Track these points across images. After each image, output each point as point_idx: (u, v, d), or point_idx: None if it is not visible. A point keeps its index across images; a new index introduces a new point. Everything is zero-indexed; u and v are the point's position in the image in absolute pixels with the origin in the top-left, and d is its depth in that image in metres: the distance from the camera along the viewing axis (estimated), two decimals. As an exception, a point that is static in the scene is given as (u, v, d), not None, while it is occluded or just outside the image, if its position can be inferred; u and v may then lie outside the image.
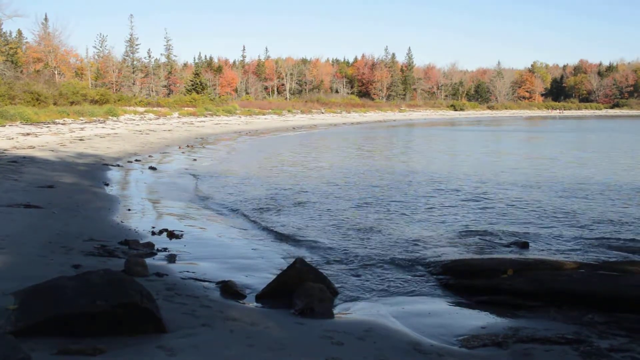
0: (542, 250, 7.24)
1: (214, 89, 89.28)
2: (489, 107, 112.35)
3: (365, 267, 6.41)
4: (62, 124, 29.71)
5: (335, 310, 4.89)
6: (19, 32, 78.79)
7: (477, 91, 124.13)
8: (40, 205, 8.38)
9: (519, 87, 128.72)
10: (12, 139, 19.62)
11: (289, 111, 67.47)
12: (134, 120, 38.71)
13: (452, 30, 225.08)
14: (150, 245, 6.77)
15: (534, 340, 4.24)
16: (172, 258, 6.31)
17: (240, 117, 53.62)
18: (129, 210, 9.46)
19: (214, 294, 5.07)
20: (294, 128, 45.75)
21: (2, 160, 13.47)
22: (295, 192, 12.09)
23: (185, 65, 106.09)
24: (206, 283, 5.42)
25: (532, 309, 5.04)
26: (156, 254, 6.48)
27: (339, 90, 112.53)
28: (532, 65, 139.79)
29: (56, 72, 65.47)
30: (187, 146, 24.57)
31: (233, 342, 3.60)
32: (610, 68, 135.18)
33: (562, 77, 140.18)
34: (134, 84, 79.37)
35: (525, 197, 11.52)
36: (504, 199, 11.29)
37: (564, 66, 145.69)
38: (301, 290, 4.91)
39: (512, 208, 10.23)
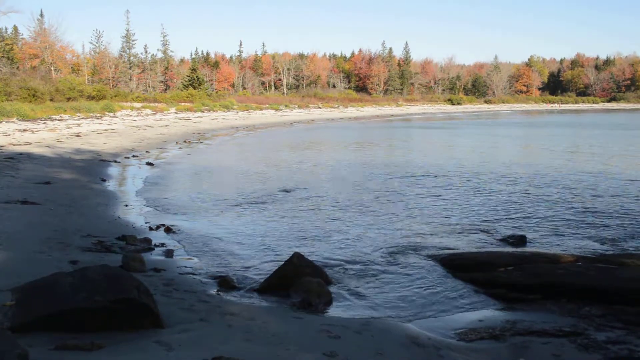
0: (540, 243, 7.26)
1: (211, 85, 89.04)
2: (486, 101, 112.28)
3: (363, 261, 6.42)
4: (59, 120, 29.63)
5: (333, 304, 4.89)
6: (15, 28, 78.58)
7: (475, 85, 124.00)
8: (37, 201, 8.36)
9: (516, 81, 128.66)
10: (9, 135, 19.56)
11: (286, 106, 67.34)
12: (131, 116, 38.60)
13: (449, 24, 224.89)
14: (147, 240, 6.78)
15: (531, 333, 4.25)
16: (169, 253, 6.32)
17: (237, 112, 53.50)
18: (127, 206, 9.45)
19: (212, 289, 5.07)
20: (291, 123, 45.67)
21: (-2, 157, 13.43)
22: (291, 186, 12.07)
23: (182, 60, 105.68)
24: (204, 278, 5.42)
25: (530, 302, 5.06)
26: (154, 249, 6.49)
27: (336, 85, 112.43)
28: (529, 59, 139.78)
29: (52, 68, 65.26)
30: (185, 142, 24.53)
31: (231, 337, 3.60)
32: (608, 62, 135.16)
33: (559, 70, 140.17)
34: (130, 79, 79.16)
35: (523, 191, 11.53)
36: (502, 193, 11.31)
37: (561, 60, 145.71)
38: (299, 284, 4.92)
39: (510, 202, 10.24)
